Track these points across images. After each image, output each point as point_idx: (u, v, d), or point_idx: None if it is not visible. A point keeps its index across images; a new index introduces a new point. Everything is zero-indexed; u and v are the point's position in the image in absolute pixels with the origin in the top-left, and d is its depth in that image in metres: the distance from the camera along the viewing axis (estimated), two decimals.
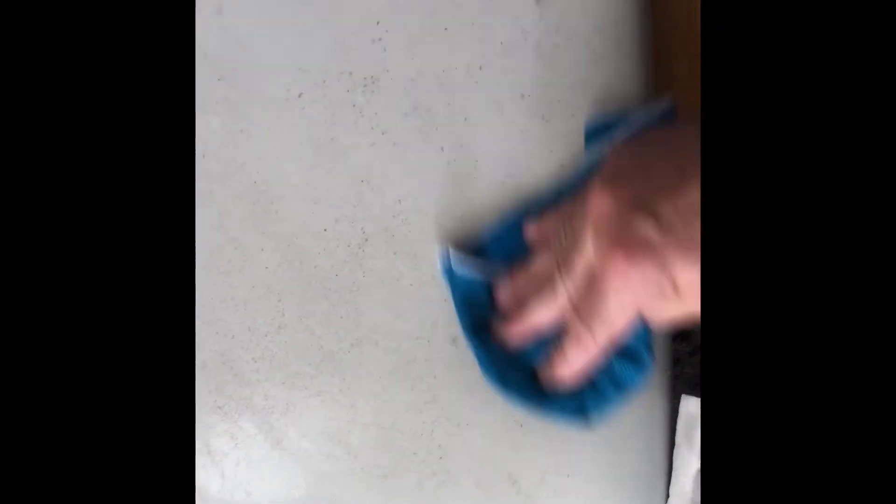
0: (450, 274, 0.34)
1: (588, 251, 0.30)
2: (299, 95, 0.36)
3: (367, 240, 0.36)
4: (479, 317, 0.34)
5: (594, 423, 0.32)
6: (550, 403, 0.33)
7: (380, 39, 0.36)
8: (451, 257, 0.34)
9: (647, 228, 0.27)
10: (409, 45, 0.36)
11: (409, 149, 0.36)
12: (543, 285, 0.32)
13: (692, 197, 0.27)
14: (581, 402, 0.32)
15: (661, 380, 0.35)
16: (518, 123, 0.35)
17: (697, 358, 0.50)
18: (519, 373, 0.33)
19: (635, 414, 0.35)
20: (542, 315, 0.32)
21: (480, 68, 0.36)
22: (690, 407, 0.37)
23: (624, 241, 0.28)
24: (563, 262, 0.31)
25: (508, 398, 0.33)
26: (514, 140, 0.35)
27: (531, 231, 0.34)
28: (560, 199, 0.34)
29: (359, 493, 0.35)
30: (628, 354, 0.32)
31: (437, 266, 0.35)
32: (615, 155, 0.32)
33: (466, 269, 0.34)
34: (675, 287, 0.27)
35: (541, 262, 0.33)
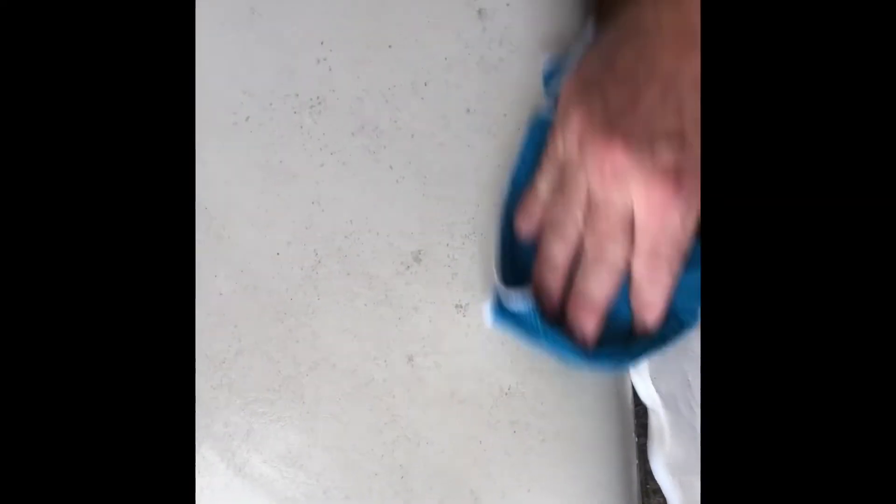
0: (504, 315, 0.33)
1: (589, 183, 0.30)
2: (246, 119, 0.36)
3: (319, 261, 0.35)
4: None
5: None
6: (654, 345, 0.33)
7: (324, 59, 0.36)
8: (502, 297, 0.33)
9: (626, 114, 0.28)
10: (353, 64, 0.36)
11: (358, 168, 0.36)
12: (584, 255, 0.32)
13: (664, 65, 0.28)
14: (666, 333, 0.33)
15: (620, 390, 0.35)
16: (464, 138, 0.35)
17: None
18: (613, 341, 0.33)
19: (595, 424, 0.35)
20: (602, 281, 0.32)
21: (426, 84, 0.35)
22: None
23: (615, 133, 0.28)
24: (584, 218, 0.32)
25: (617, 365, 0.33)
26: (462, 155, 0.35)
27: (525, 224, 0.34)
28: (533, 169, 0.34)
29: None
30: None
31: (487, 319, 0.34)
32: (566, 82, 0.32)
33: (519, 301, 0.32)
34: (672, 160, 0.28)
35: (558, 241, 0.33)
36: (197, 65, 0.36)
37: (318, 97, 0.36)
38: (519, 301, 0.32)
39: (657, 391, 0.34)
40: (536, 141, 0.34)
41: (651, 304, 0.32)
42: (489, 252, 0.35)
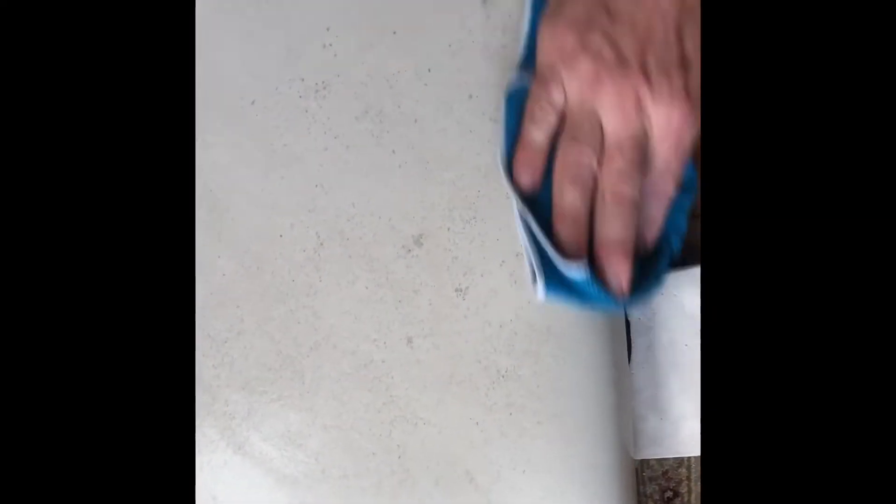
0: (560, 286, 0.33)
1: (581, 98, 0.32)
2: (252, 103, 0.37)
3: (322, 244, 0.36)
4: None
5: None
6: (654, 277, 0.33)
7: (330, 45, 0.36)
8: (561, 268, 0.33)
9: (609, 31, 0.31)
10: (358, 50, 0.36)
11: (362, 152, 0.36)
12: (601, 200, 0.33)
13: None
14: (662, 250, 0.34)
15: (615, 374, 0.36)
16: (466, 123, 0.35)
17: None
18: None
19: (590, 407, 0.35)
20: (627, 221, 0.32)
21: (429, 70, 0.36)
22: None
23: (631, 70, 0.30)
24: (598, 161, 0.32)
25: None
26: (464, 140, 0.35)
27: (526, 176, 0.34)
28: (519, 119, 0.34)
29: (320, 495, 0.35)
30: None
31: (540, 294, 0.33)
32: (549, 33, 0.33)
33: (577, 270, 0.32)
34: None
35: (575, 189, 0.33)
36: (204, 49, 0.36)
37: (323, 82, 0.36)
38: (576, 270, 0.32)
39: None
40: (517, 109, 0.34)
41: (654, 219, 0.34)
42: (496, 235, 0.35)
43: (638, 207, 0.33)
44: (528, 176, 0.34)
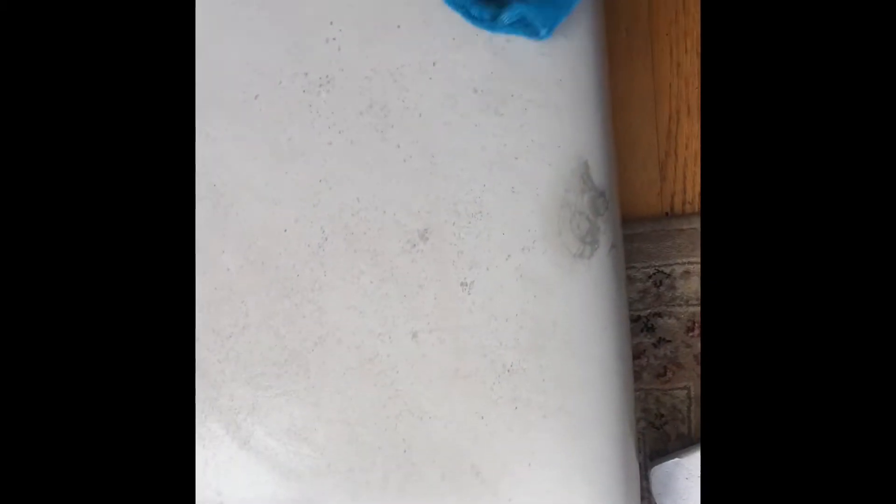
0: None
1: None
2: (256, 97, 0.36)
3: (326, 239, 0.36)
4: None
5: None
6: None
7: (333, 39, 0.36)
8: None
9: None
10: (362, 44, 0.36)
11: (366, 147, 0.36)
12: None
13: None
14: None
15: (620, 367, 0.36)
16: (471, 118, 0.35)
17: (661, 349, 0.50)
18: None
19: (595, 401, 0.35)
20: None
21: (434, 64, 0.36)
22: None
23: None
24: None
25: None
26: (468, 134, 0.35)
27: None
28: None
29: (326, 489, 0.35)
30: None
31: None
32: None
33: None
34: None
35: None
36: (208, 43, 0.36)
37: (327, 76, 0.36)
38: None
39: None
40: None
41: None
42: (501, 230, 0.35)
43: None
44: None
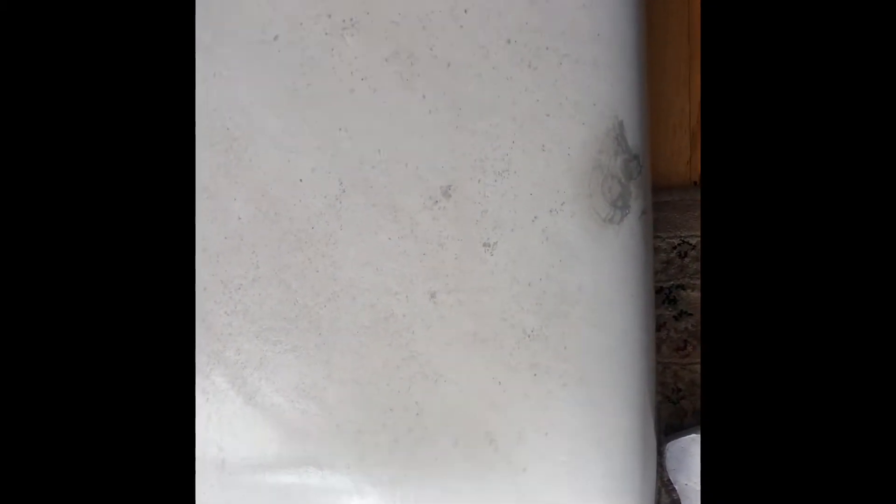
0: None
1: None
2: (275, 38, 0.34)
3: (344, 191, 0.34)
4: None
5: None
6: None
7: None
8: None
9: None
10: None
11: (390, 96, 0.34)
12: None
13: None
14: None
15: (644, 339, 0.35)
16: (503, 70, 0.34)
17: (682, 322, 0.49)
18: None
19: (615, 372, 0.34)
20: None
21: (466, 11, 0.34)
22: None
23: None
24: None
25: None
26: (499, 87, 0.34)
27: None
28: None
29: (333, 450, 0.34)
30: None
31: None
32: None
33: None
34: None
35: None
36: None
37: (351, 19, 0.34)
38: None
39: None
40: None
41: None
42: (529, 190, 0.33)
43: None
44: None
